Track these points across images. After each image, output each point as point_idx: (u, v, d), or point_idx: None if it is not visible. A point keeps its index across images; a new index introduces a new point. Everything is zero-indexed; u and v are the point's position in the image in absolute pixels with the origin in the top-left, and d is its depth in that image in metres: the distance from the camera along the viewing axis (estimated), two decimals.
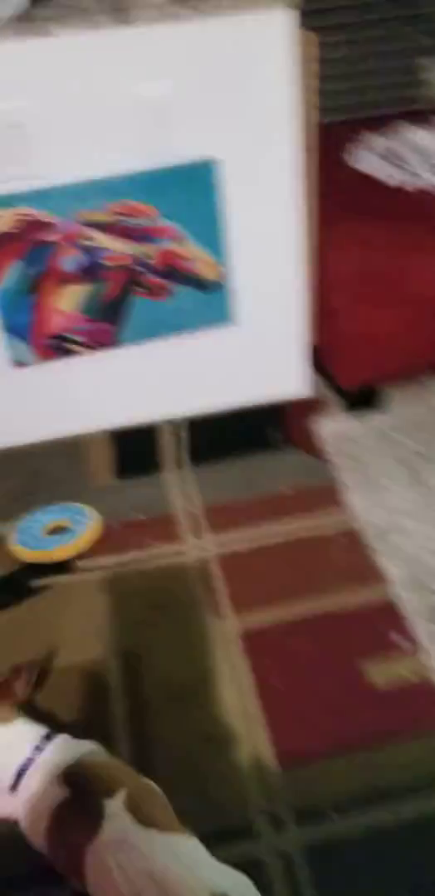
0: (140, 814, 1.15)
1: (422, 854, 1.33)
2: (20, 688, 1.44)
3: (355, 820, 1.37)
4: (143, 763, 1.46)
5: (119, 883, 1.07)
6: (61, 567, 1.90)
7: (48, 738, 1.31)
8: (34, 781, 1.24)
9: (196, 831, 1.35)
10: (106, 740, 1.49)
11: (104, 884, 1.10)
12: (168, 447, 2.14)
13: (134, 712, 1.57)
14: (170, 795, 1.35)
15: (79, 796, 1.20)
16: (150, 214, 1.75)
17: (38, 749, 1.28)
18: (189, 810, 1.38)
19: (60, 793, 1.20)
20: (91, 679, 1.65)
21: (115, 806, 1.16)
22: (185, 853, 1.12)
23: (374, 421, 2.39)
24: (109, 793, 1.18)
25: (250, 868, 1.26)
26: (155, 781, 1.32)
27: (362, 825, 1.36)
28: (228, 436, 2.15)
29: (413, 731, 1.51)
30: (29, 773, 1.26)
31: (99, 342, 1.89)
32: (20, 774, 1.25)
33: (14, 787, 1.25)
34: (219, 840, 1.33)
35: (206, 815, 1.38)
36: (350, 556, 1.90)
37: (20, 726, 1.34)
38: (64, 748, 1.29)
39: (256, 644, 1.69)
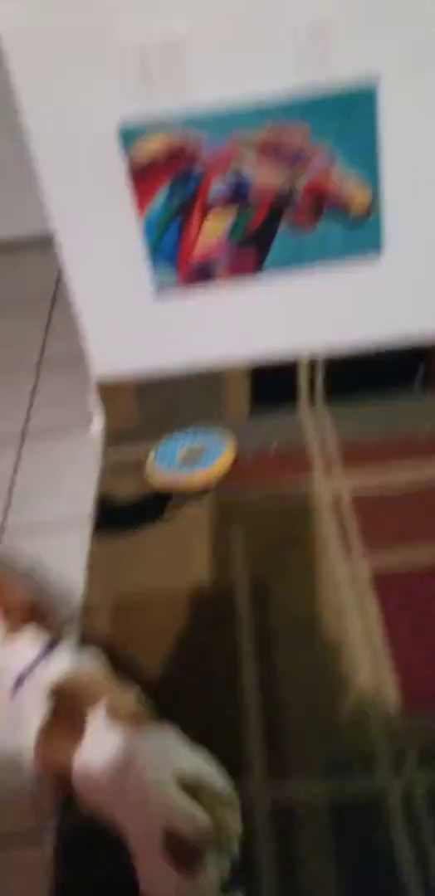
0: (119, 716, 1.21)
1: None
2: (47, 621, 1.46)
3: None
4: (267, 689, 1.51)
5: (101, 779, 1.14)
6: (195, 493, 1.94)
7: (51, 646, 1.35)
8: (27, 692, 1.30)
9: (317, 760, 1.38)
10: (231, 666, 1.55)
11: (88, 784, 1.17)
12: (305, 381, 2.11)
13: (260, 640, 1.60)
14: (292, 724, 1.39)
15: (63, 709, 1.25)
16: (304, 138, 1.70)
17: (40, 657, 1.33)
18: (310, 740, 1.42)
19: (47, 706, 1.26)
20: (220, 604, 1.69)
21: (97, 714, 1.21)
22: (159, 743, 1.16)
23: None
24: (92, 703, 1.23)
25: (370, 804, 1.28)
26: (278, 708, 1.35)
27: None
28: (368, 374, 2.09)
29: None
30: (27, 680, 1.31)
31: (243, 270, 1.87)
32: (19, 681, 1.31)
33: (14, 692, 1.31)
34: (339, 772, 1.36)
35: (328, 747, 1.40)
36: None
37: (28, 634, 1.37)
38: (62, 659, 1.34)
39: (385, 585, 1.67)
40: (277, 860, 1.27)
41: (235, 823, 1.10)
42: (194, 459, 2.00)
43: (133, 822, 1.10)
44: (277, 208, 1.79)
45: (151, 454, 2.03)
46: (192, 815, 1.04)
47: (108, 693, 1.27)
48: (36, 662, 1.32)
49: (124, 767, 1.13)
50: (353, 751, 1.39)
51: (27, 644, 1.35)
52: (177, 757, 1.13)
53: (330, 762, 1.38)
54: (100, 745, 1.18)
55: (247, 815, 1.29)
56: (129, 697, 1.30)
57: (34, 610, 1.40)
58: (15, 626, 1.37)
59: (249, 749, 1.41)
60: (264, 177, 1.74)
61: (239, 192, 1.76)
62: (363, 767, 1.37)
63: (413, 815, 1.29)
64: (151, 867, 1.06)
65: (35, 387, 2.43)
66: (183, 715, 1.33)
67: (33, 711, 1.27)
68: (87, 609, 1.71)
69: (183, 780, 1.07)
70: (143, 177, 1.73)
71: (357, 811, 1.31)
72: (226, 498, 1.93)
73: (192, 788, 1.07)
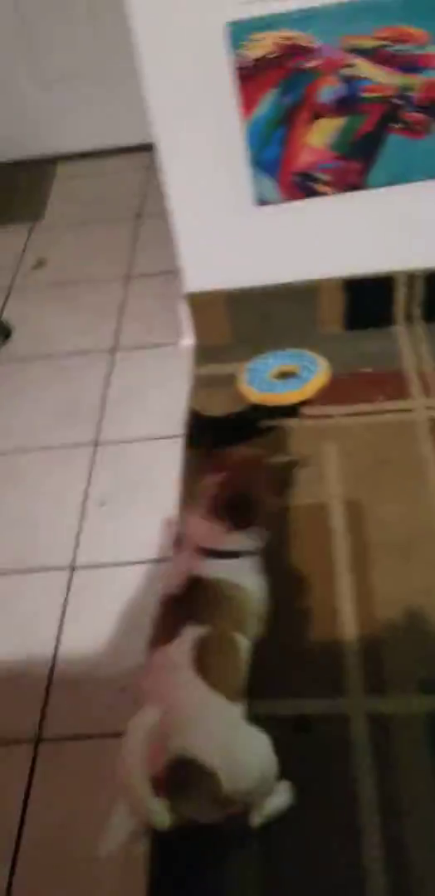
0: (201, 657, 1.16)
1: None
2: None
3: None
4: (361, 604, 1.51)
5: (148, 695, 1.14)
6: (288, 411, 1.92)
7: (234, 554, 1.29)
8: (177, 567, 1.30)
9: (409, 679, 1.38)
10: (326, 581, 1.56)
11: (141, 685, 1.18)
12: (403, 301, 2.05)
13: (355, 558, 1.60)
14: (389, 642, 1.40)
15: (177, 608, 1.24)
16: (421, 41, 1.61)
17: (218, 553, 1.28)
18: (403, 658, 1.42)
19: (173, 592, 1.26)
20: (315, 522, 1.68)
21: (188, 634, 1.18)
22: (214, 711, 1.13)
23: None
24: (196, 621, 1.20)
25: None
26: (371, 626, 1.35)
27: None
28: None
29: None
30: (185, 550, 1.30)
31: (346, 182, 1.81)
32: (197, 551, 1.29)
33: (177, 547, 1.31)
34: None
35: (420, 665, 1.41)
36: None
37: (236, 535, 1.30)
38: (228, 568, 1.27)
39: None
40: (373, 773, 1.29)
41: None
42: (287, 378, 1.98)
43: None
44: (388, 117, 1.71)
45: (243, 371, 2.02)
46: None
47: (217, 626, 1.22)
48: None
49: (168, 710, 1.10)
50: None
51: (217, 530, 1.29)
52: (227, 736, 1.12)
53: (421, 679, 1.39)
54: (166, 669, 1.18)
55: (343, 730, 1.33)
56: (229, 649, 1.23)
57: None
58: (236, 523, 1.29)
59: (347, 665, 1.43)
60: (377, 83, 1.66)
61: (349, 98, 1.69)
62: None
63: None
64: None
65: (123, 301, 2.42)
66: (279, 633, 1.36)
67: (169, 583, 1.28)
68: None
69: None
70: (250, 78, 1.67)
71: None
72: (319, 417, 1.91)
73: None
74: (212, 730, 1.11)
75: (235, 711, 1.16)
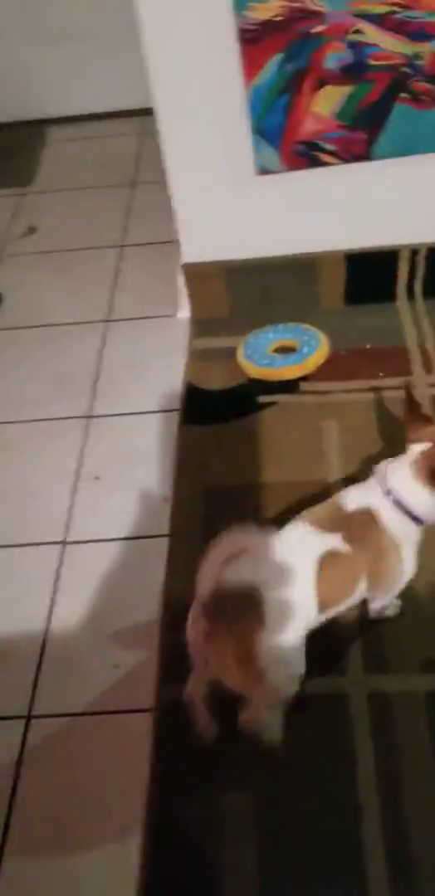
0: (329, 559, 1.20)
1: None
2: None
3: None
4: None
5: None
6: (287, 386, 1.89)
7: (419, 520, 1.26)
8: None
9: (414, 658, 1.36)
10: None
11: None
12: (405, 276, 2.01)
13: None
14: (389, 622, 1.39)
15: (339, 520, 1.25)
16: (432, 8, 1.56)
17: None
18: (407, 638, 1.40)
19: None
20: (313, 499, 1.65)
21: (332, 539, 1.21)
22: (298, 595, 1.17)
23: None
24: (346, 538, 1.21)
25: None
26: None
27: None
28: None
29: None
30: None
31: (351, 153, 1.76)
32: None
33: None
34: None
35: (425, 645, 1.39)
36: None
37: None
38: (403, 526, 1.26)
39: None
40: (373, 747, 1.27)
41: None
42: (287, 353, 1.94)
43: None
44: (395, 86, 1.66)
45: (241, 345, 1.97)
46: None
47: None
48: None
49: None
50: None
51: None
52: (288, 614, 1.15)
53: (426, 659, 1.37)
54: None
55: (343, 708, 1.31)
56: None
57: None
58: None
59: (346, 645, 1.40)
60: (385, 50, 1.61)
61: (356, 65, 1.64)
62: None
63: None
64: None
65: (117, 272, 2.37)
66: None
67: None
68: (178, 498, 1.70)
69: None
70: (254, 41, 1.61)
71: None
72: (318, 393, 1.87)
73: None
74: (283, 600, 1.14)
75: (308, 613, 1.18)
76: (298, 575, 1.17)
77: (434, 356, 1.91)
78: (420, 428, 1.29)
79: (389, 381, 1.86)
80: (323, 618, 1.22)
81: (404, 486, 1.25)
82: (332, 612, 1.24)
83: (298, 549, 1.21)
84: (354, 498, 1.28)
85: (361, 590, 1.26)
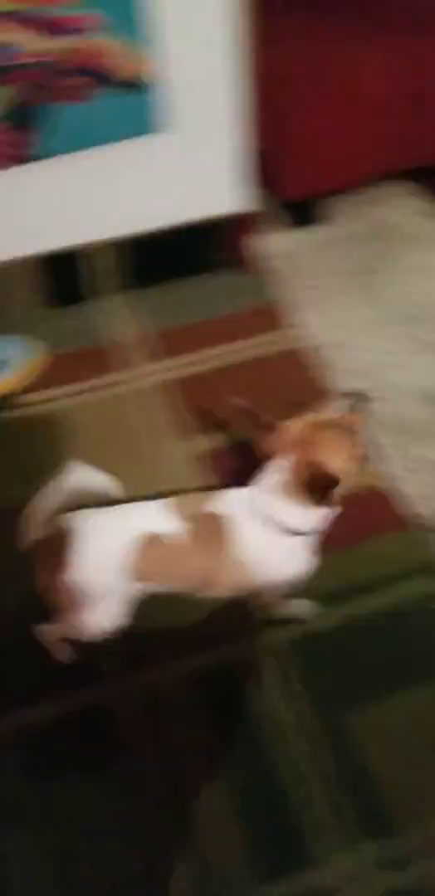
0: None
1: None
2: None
3: None
4: None
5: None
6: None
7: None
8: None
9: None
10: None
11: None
12: (102, 272, 2.00)
13: None
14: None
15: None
16: (71, 2, 1.53)
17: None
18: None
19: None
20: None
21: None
22: None
23: (319, 235, 2.28)
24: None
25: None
26: None
27: None
28: (164, 258, 2.02)
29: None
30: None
31: (16, 154, 1.70)
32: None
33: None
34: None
35: None
36: (302, 374, 1.88)
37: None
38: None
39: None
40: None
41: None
42: None
43: None
44: (46, 83, 1.62)
45: None
46: None
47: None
48: None
49: None
50: None
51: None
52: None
53: None
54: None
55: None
56: None
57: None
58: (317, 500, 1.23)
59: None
60: (27, 49, 1.56)
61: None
62: None
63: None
64: None
65: None
66: None
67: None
68: None
69: None
70: None
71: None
72: (33, 406, 1.83)
73: None
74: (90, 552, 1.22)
75: (118, 576, 1.23)
76: (112, 541, 1.23)
77: (138, 348, 1.93)
78: (269, 438, 1.25)
79: (101, 379, 1.86)
80: (144, 589, 1.27)
81: (276, 505, 1.24)
82: (154, 587, 1.28)
83: (126, 519, 1.26)
84: (223, 502, 1.28)
85: (192, 579, 1.28)
